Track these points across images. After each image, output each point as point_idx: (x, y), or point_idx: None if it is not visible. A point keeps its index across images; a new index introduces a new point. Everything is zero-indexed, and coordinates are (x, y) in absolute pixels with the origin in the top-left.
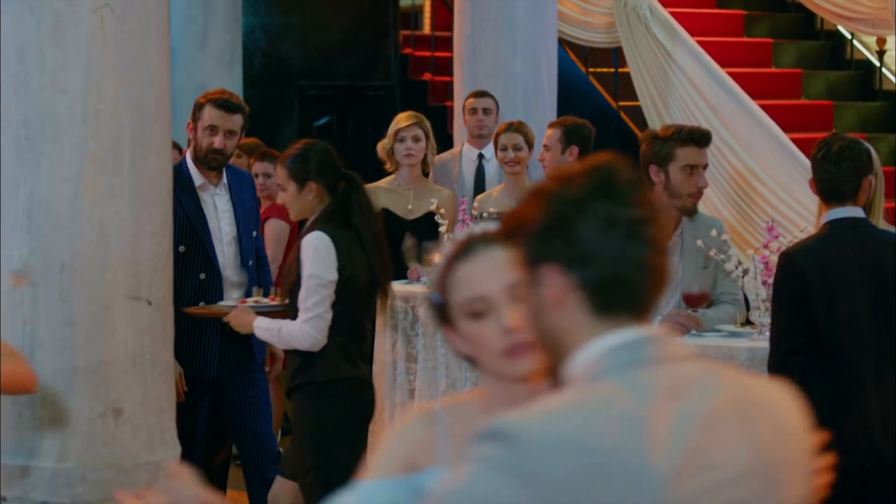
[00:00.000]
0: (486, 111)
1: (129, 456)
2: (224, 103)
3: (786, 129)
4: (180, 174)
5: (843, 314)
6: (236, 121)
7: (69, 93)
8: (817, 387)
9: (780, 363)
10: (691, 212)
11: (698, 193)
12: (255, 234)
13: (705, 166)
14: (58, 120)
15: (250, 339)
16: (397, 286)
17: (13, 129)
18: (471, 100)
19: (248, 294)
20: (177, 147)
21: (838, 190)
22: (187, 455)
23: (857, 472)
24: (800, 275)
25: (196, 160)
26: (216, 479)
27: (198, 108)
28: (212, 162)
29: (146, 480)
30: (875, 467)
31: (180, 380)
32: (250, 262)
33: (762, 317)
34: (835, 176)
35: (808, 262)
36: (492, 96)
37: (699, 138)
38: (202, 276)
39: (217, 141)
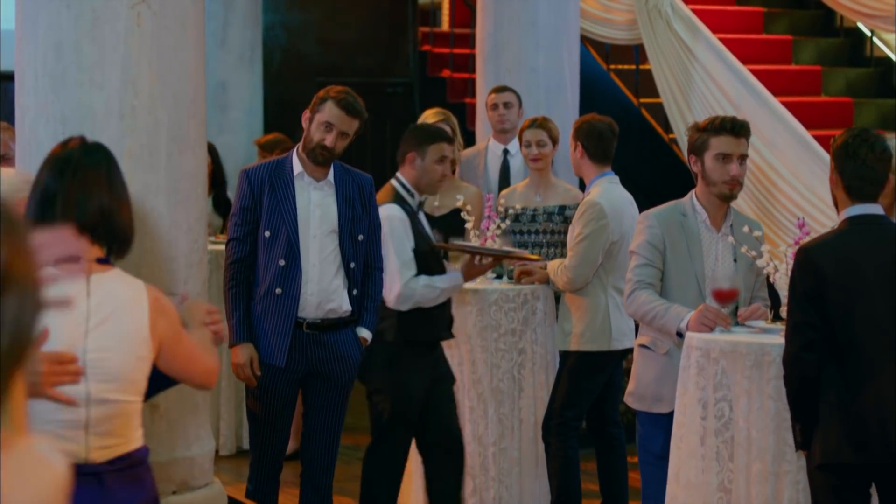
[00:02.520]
0: (506, 105)
1: (164, 451)
2: (347, 105)
3: (806, 126)
4: (283, 163)
5: (859, 310)
6: (352, 125)
7: (106, 89)
8: (832, 383)
9: (795, 358)
10: (728, 198)
11: (733, 181)
12: (360, 237)
13: (742, 156)
14: (95, 116)
15: (336, 334)
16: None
17: (51, 125)
18: (492, 95)
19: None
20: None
21: (867, 187)
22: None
23: (872, 469)
24: (816, 270)
25: (303, 150)
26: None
27: (319, 101)
28: (318, 157)
29: (181, 476)
30: (891, 465)
31: (252, 364)
32: (352, 265)
33: None
34: (866, 173)
35: (825, 258)
36: (513, 90)
37: (731, 127)
38: (282, 262)
39: (329, 139)
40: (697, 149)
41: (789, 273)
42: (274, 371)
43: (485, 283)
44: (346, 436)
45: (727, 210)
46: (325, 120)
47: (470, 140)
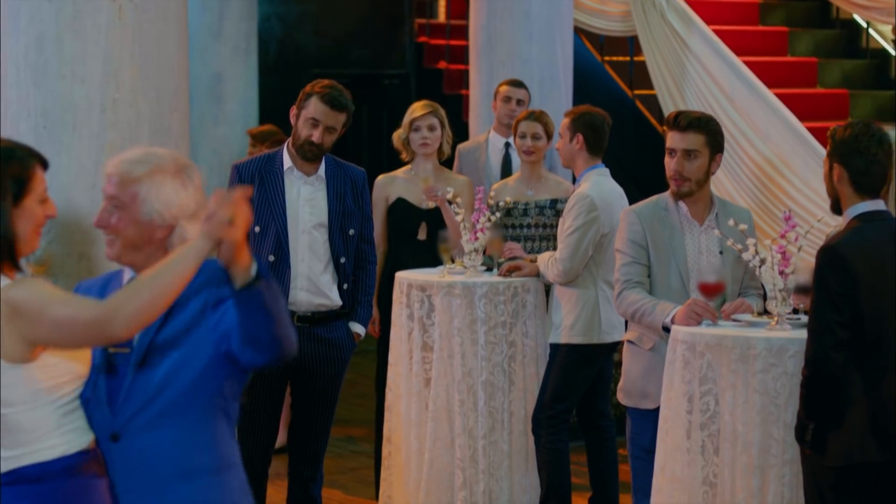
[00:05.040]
0: (520, 102)
1: None
2: (331, 100)
3: (801, 119)
4: (273, 158)
5: (888, 307)
6: (339, 119)
7: (87, 82)
8: (854, 382)
9: (826, 358)
10: (675, 194)
11: (674, 176)
12: (351, 232)
13: (686, 151)
14: (76, 110)
15: (328, 328)
16: (413, 275)
17: (32, 118)
18: (506, 87)
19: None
20: None
21: (874, 183)
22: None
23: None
24: (847, 268)
25: (293, 146)
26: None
27: (305, 97)
28: (307, 153)
29: None
30: None
31: None
32: (342, 260)
33: (779, 307)
34: (874, 168)
35: (854, 255)
36: (527, 89)
37: (675, 122)
38: (271, 258)
39: (316, 135)
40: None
41: (775, 267)
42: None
43: (474, 275)
44: (339, 428)
45: (710, 202)
46: (311, 116)
47: (463, 132)
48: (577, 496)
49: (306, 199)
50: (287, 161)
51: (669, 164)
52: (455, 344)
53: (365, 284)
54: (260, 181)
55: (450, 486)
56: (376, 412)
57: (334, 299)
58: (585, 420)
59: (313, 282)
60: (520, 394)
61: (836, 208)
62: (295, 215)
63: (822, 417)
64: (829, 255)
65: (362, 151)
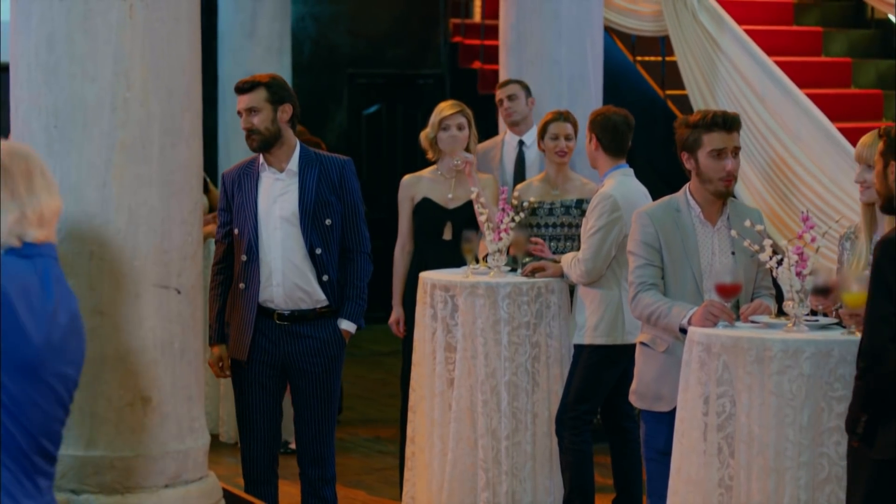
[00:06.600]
0: (511, 98)
1: (157, 444)
2: (236, 86)
3: (835, 119)
4: (254, 162)
5: None
6: (253, 98)
7: (98, 81)
8: None
9: (883, 350)
10: (724, 195)
11: (728, 177)
12: (328, 222)
13: (735, 149)
14: (87, 108)
15: (312, 326)
16: (437, 275)
17: (43, 117)
18: (497, 91)
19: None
20: None
21: None
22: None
23: None
24: None
25: None
26: None
27: None
28: (252, 143)
29: (174, 469)
30: None
31: (222, 364)
32: (317, 251)
33: (796, 308)
34: None
35: None
36: (517, 82)
37: (723, 122)
38: (244, 257)
39: (244, 123)
40: (690, 146)
41: (792, 268)
42: (243, 366)
43: (498, 275)
44: (367, 429)
45: (723, 204)
46: (237, 111)
47: (497, 132)
48: (600, 497)
49: (278, 196)
50: (262, 160)
51: (718, 165)
52: (478, 344)
53: (352, 277)
54: (238, 186)
55: (472, 486)
56: (401, 412)
57: (313, 294)
58: (610, 421)
59: (288, 277)
60: (544, 394)
61: (889, 207)
62: (266, 213)
63: (875, 410)
64: (888, 248)
65: (397, 151)
